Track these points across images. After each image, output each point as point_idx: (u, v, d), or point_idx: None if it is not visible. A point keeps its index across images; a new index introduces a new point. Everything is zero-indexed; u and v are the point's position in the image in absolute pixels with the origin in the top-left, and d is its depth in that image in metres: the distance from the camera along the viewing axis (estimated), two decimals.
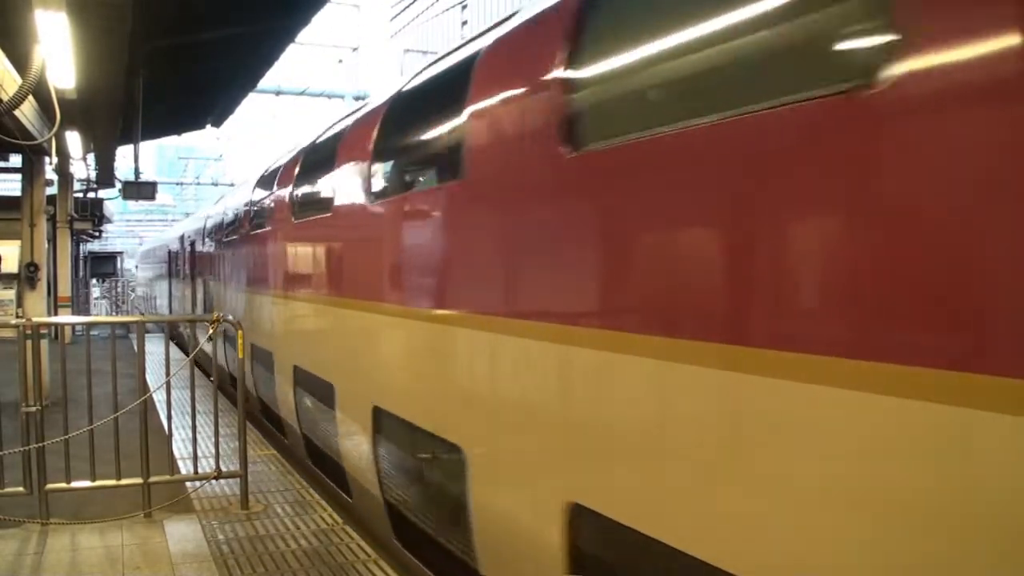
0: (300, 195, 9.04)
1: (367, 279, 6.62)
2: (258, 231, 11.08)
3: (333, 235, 7.50)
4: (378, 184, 6.53)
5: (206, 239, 16.55)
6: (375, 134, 6.53)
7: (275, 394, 9.87)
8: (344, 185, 7.18)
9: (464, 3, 23.86)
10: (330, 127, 8.84)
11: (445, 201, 5.21)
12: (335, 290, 7.47)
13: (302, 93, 27.04)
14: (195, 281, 18.02)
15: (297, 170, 9.18)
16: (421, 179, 6.09)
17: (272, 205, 10.39)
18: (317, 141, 9.08)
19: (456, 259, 4.98)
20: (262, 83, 18.79)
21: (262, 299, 10.66)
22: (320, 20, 13.81)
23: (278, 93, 26.52)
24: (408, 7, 25.09)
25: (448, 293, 5.09)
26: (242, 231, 12.29)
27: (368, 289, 6.55)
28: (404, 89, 6.52)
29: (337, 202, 7.29)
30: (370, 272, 6.55)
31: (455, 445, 4.82)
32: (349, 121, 7.86)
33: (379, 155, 6.52)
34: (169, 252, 24.20)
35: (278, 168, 10.52)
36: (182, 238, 21.05)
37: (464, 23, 23.56)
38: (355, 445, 6.83)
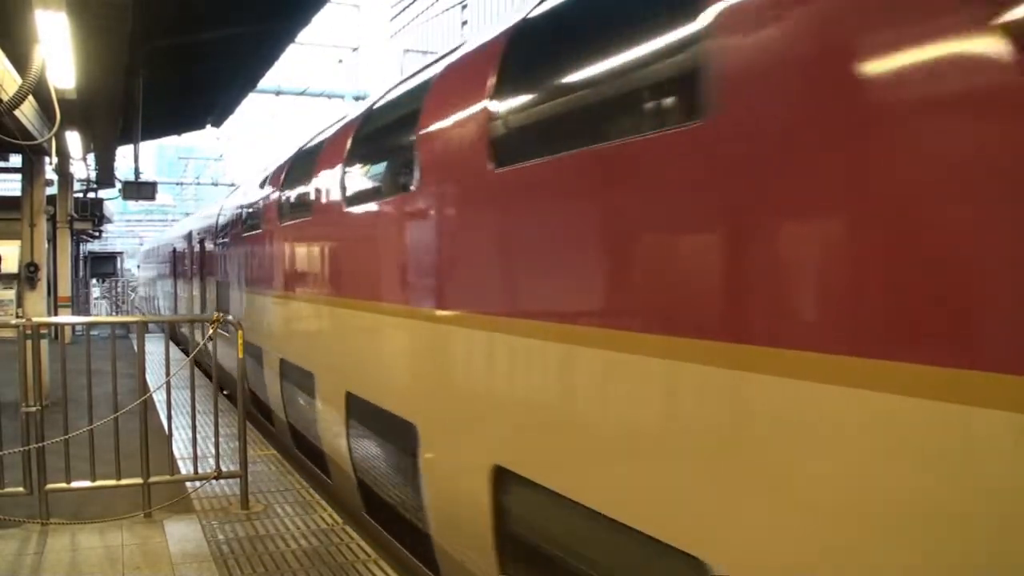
0: (355, 174, 7.22)
1: (466, 282, 4.74)
2: (292, 223, 9.12)
3: (418, 222, 5.47)
4: (508, 144, 4.37)
5: (219, 236, 14.43)
6: (494, 79, 4.47)
7: (318, 428, 7.99)
8: (437, 153, 5.18)
9: (464, 3, 23.85)
10: (401, 83, 6.89)
11: (666, 157, 3.10)
12: (419, 299, 5.47)
13: (302, 93, 27.06)
14: (205, 283, 16.20)
15: (349, 144, 7.22)
16: (595, 128, 3.71)
17: (310, 192, 8.30)
18: (377, 106, 7.15)
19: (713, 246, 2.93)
20: (262, 83, 18.80)
21: (296, 307, 8.83)
22: (320, 20, 13.81)
23: (278, 93, 26.54)
24: (408, 7, 25.08)
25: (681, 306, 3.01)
26: (267, 226, 10.36)
27: (475, 298, 4.61)
28: (533, 15, 4.46)
29: (428, 177, 5.24)
30: (476, 272, 4.63)
31: (696, 560, 2.93)
32: (436, 70, 5.75)
33: (507, 105, 4.46)
34: (174, 251, 22.26)
35: (317, 147, 8.61)
36: (189, 236, 19.00)
37: (464, 23, 23.56)
38: (458, 516, 4.91)
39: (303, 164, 9.06)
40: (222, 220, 14.35)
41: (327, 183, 7.80)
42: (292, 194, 9.40)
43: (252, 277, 11.33)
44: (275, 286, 9.78)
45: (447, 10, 24.26)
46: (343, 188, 7.24)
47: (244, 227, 12.05)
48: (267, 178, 11.00)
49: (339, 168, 7.39)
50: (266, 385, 10.33)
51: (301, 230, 8.73)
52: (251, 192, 12.13)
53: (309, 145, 9.37)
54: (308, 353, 8.37)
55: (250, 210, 11.79)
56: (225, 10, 11.03)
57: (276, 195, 10.02)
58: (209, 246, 15.77)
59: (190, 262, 18.52)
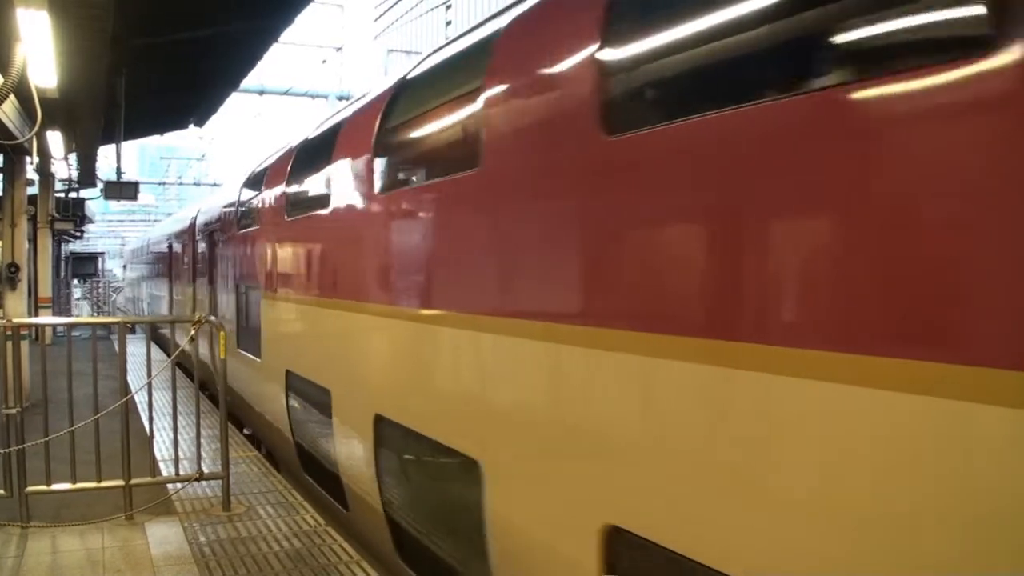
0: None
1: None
2: (400, 194, 5.75)
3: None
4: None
5: (242, 225, 10.98)
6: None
7: (490, 559, 4.40)
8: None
9: (448, 3, 23.85)
10: None
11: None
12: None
13: (286, 93, 27.00)
14: (214, 286, 12.91)
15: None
16: None
17: (437, 145, 5.47)
18: None
19: None
20: (245, 83, 18.74)
21: (425, 334, 5.21)
22: (304, 20, 13.78)
23: (261, 93, 26.47)
24: (392, 7, 25.07)
25: None
26: (344, 199, 6.73)
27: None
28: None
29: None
30: None
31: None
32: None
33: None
34: (170, 249, 19.30)
35: (445, 65, 5.66)
36: (192, 230, 15.58)
37: (448, 23, 23.56)
38: None
39: (399, 111, 6.11)
40: (246, 204, 10.85)
41: (489, 135, 4.42)
42: (386, 161, 6.14)
43: (307, 282, 7.92)
44: (364, 296, 6.30)
45: (431, 10, 24.26)
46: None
47: (291, 209, 8.50)
48: (330, 133, 7.48)
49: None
50: (340, 451, 6.82)
51: (402, 205, 5.63)
52: (302, 158, 8.47)
53: (410, 77, 6.22)
54: (465, 420, 4.68)
55: (295, 190, 8.50)
56: (208, 9, 10.98)
57: (347, 168, 6.65)
58: (224, 239, 12.25)
59: (192, 262, 15.37)
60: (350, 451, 6.59)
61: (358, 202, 6.48)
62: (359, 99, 7.32)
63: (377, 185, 6.04)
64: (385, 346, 6.02)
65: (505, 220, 4.22)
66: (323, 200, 7.20)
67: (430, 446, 5.02)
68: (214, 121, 20.06)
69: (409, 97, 6.08)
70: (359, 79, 28.77)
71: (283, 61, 26.94)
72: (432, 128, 5.65)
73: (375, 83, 7.28)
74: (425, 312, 5.17)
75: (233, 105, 23.66)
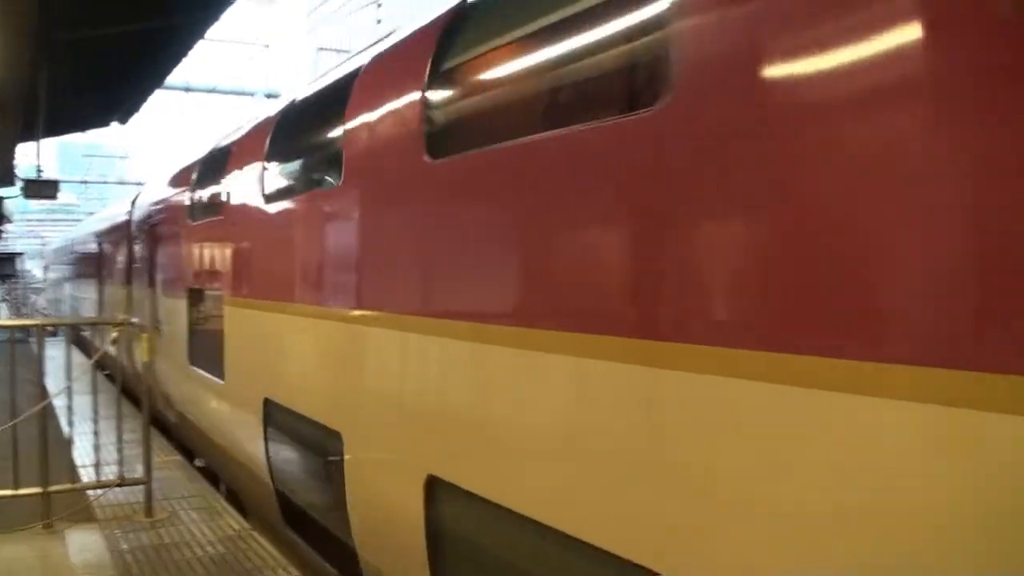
0: None
1: None
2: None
3: None
4: None
5: (194, 216, 9.05)
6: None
7: None
8: None
9: (379, 2, 23.74)
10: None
11: None
12: None
13: (212, 91, 26.62)
14: (155, 288, 10.86)
15: None
16: None
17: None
18: None
19: None
20: (170, 79, 18.41)
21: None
22: (231, 16, 13.57)
23: (187, 90, 26.06)
24: (321, 4, 24.89)
25: None
26: (361, 186, 4.98)
27: None
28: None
29: None
30: None
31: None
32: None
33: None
34: (100, 246, 17.15)
35: None
36: (127, 224, 13.39)
37: (379, 21, 23.45)
38: None
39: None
40: (202, 191, 8.92)
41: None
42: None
43: (300, 286, 5.95)
44: (402, 307, 4.42)
45: (363, 8, 24.14)
46: None
47: (274, 193, 6.56)
48: (336, 90, 5.59)
49: None
50: (357, 519, 4.96)
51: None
52: (288, 128, 6.66)
53: None
54: (622, 505, 2.85)
55: (288, 161, 6.79)
56: (132, 4, 10.78)
57: (399, 110, 4.56)
58: (170, 233, 10.20)
59: (128, 259, 13.18)
60: (376, 522, 4.78)
61: (398, 176, 4.52)
62: (374, 45, 5.53)
63: (433, 150, 4.14)
64: (450, 378, 4.08)
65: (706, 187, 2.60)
66: (331, 178, 5.53)
67: (542, 535, 3.22)
68: (138, 118, 19.60)
69: (485, 22, 4.29)
70: (287, 77, 28.44)
71: (210, 58, 26.59)
72: (545, 56, 3.76)
73: (405, 24, 5.20)
74: (525, 332, 3.35)
75: (158, 103, 23.17)
